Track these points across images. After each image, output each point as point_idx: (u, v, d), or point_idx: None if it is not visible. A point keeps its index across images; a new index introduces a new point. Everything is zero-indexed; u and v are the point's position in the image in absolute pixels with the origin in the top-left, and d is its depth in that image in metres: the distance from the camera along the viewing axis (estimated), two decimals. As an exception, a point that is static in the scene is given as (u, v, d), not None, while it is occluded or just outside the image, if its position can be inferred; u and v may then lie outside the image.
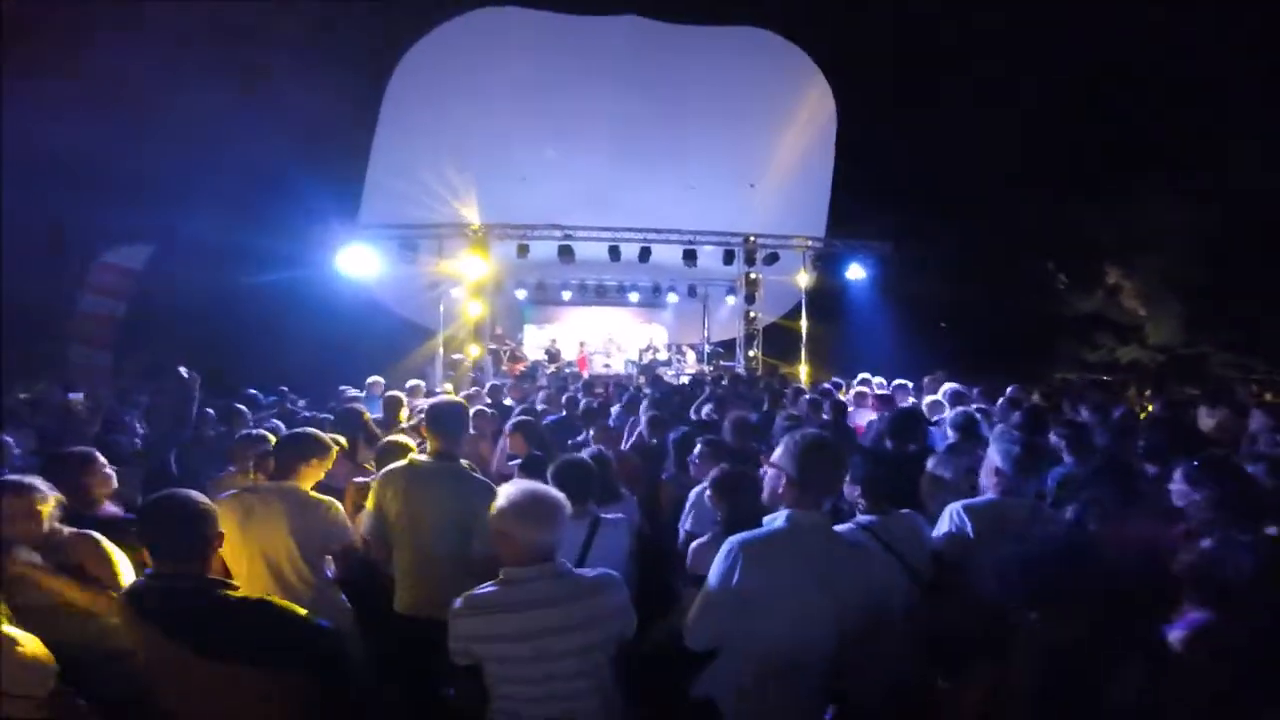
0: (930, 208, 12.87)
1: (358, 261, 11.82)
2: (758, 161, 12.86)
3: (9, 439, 3.56)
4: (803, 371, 12.67)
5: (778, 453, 2.16)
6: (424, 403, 5.46)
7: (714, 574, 2.03)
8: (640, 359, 15.78)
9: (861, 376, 7.97)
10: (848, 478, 2.59)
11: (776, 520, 2.07)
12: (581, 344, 16.27)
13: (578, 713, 1.95)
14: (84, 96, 10.95)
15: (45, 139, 10.64)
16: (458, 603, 1.98)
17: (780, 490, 2.13)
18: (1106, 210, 13.04)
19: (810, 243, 12.98)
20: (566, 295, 16.69)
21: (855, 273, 12.88)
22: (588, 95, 12.27)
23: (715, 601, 2.01)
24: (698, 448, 3.69)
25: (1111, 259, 13.45)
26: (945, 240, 12.67)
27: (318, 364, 11.89)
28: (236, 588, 2.03)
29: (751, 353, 13.59)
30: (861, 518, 2.54)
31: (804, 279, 13.11)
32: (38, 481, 2.23)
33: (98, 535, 2.25)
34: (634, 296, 16.92)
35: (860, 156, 12.33)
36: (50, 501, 2.21)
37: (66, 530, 2.23)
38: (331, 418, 4.97)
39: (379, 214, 12.49)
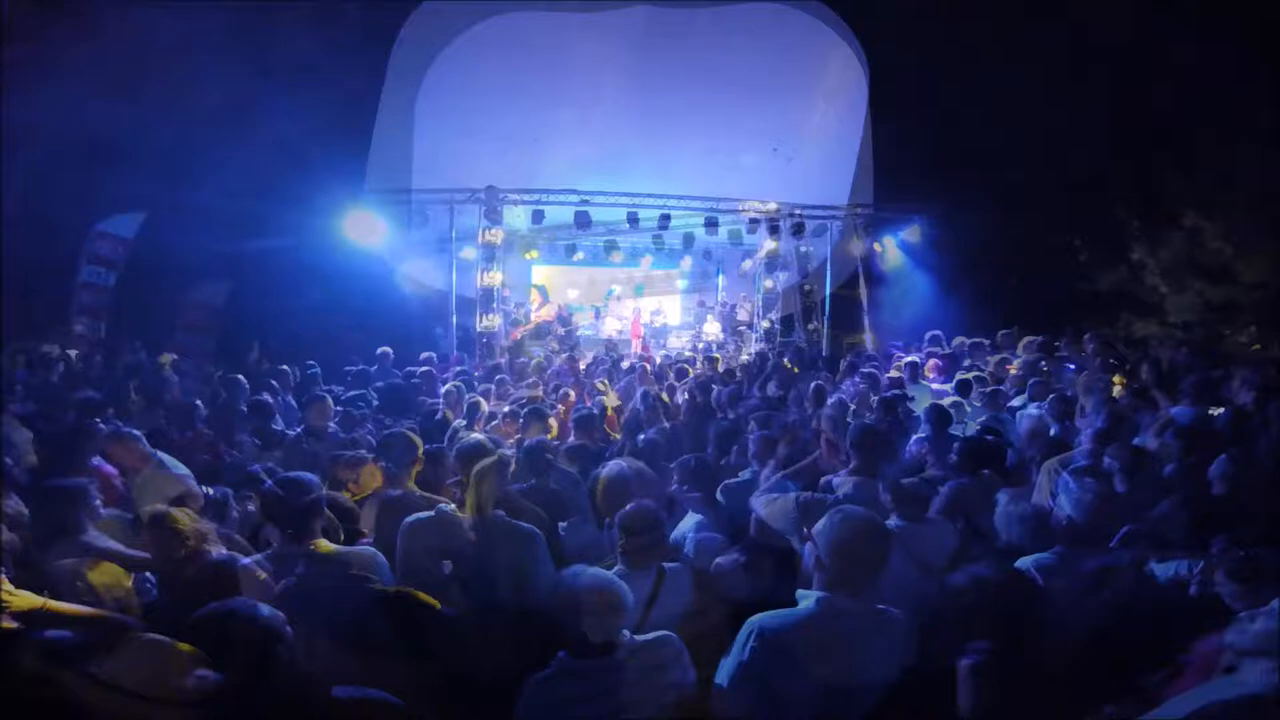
0: (984, 165, 12.40)
1: (364, 228, 11.37)
2: (787, 130, 12.36)
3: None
4: (867, 340, 12.45)
5: (816, 527, 2.04)
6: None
7: (731, 660, 1.93)
8: (651, 321, 15.52)
9: (931, 334, 7.78)
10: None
11: (806, 601, 1.94)
12: (636, 310, 15.20)
13: None
14: (83, 63, 10.29)
15: (43, 106, 10.06)
16: (526, 691, 1.91)
17: (814, 567, 2.01)
18: (1177, 160, 12.53)
19: (836, 212, 12.58)
20: (579, 256, 16.25)
21: (908, 236, 12.49)
22: (603, 59, 11.69)
23: (735, 689, 1.89)
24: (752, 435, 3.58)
25: (1185, 203, 12.97)
26: (1000, 199, 12.24)
27: (329, 331, 11.64)
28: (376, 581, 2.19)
29: (811, 325, 13.30)
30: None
31: (857, 246, 12.73)
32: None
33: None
34: (646, 260, 16.40)
35: (905, 117, 11.80)
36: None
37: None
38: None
39: (386, 179, 11.96)
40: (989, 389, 5.50)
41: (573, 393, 5.89)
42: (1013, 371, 7.39)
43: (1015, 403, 5.48)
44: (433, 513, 2.51)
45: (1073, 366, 5.43)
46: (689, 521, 3.15)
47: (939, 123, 11.97)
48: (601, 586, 1.93)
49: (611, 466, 3.18)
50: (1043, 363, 5.63)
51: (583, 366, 12.67)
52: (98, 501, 2.68)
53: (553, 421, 5.07)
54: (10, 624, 1.93)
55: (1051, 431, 4.33)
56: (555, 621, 1.94)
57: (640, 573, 2.45)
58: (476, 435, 3.36)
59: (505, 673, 2.00)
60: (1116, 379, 7.87)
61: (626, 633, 1.95)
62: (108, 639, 1.93)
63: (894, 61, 11.48)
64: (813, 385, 5.39)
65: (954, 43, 11.31)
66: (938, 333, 7.74)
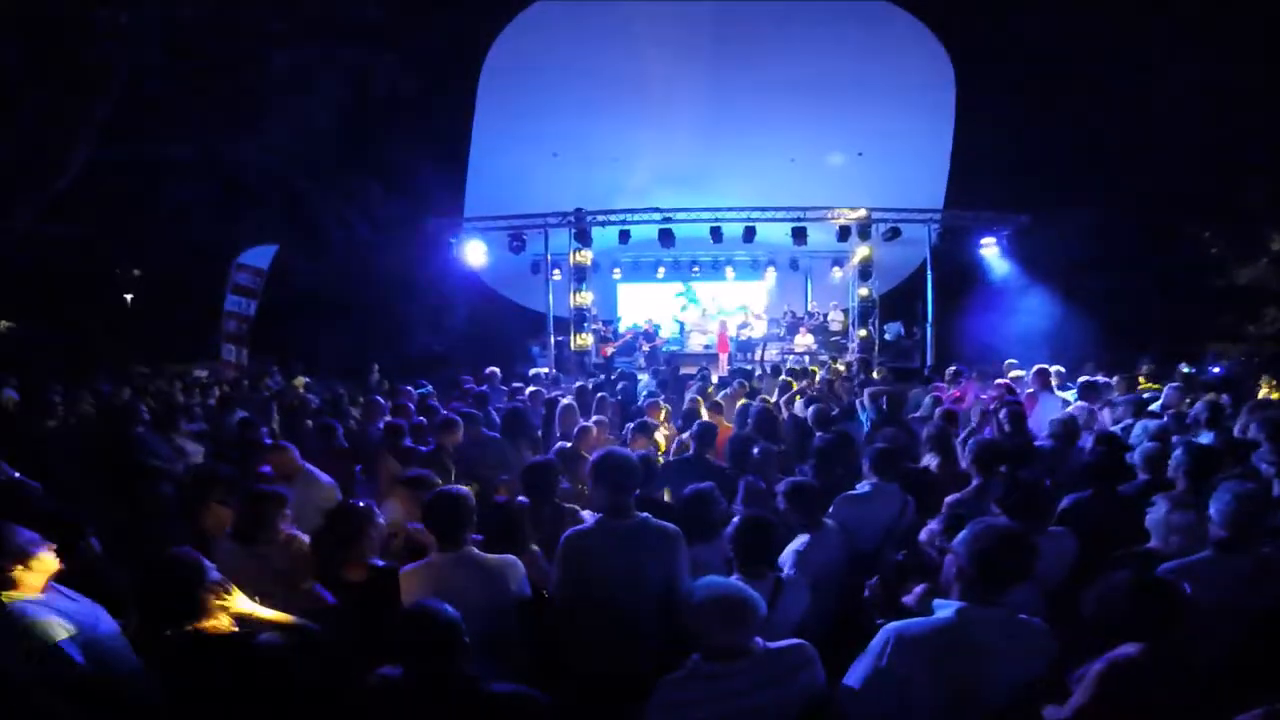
0: (1064, 176, 11.72)
1: (469, 252, 12.11)
2: (868, 132, 12.08)
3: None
4: (929, 350, 11.99)
5: (958, 537, 2.03)
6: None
7: (865, 664, 1.92)
8: (738, 335, 15.43)
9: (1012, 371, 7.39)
10: None
11: (945, 610, 1.93)
12: (723, 323, 15.05)
13: None
14: (201, 104, 11.55)
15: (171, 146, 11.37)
16: (659, 690, 1.95)
17: (954, 577, 1.99)
18: (1269, 171, 11.51)
19: (932, 216, 12.14)
20: (661, 273, 16.50)
21: (984, 246, 11.95)
22: (681, 71, 11.92)
23: (869, 693, 1.89)
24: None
25: (1275, 224, 11.89)
26: (1083, 212, 11.53)
27: (436, 351, 12.40)
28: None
29: (862, 332, 13.00)
30: None
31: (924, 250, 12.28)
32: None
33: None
34: (730, 272, 16.42)
35: (988, 124, 11.34)
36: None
37: None
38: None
39: (482, 205, 12.68)
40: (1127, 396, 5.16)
41: (664, 404, 5.99)
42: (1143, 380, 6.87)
43: (1154, 407, 5.13)
44: (593, 523, 2.68)
45: (1218, 370, 5.00)
46: (796, 542, 3.14)
47: (1039, 119, 11.39)
48: (735, 595, 1.98)
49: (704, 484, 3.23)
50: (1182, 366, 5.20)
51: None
52: (290, 512, 3.05)
53: (659, 436, 5.19)
54: (229, 626, 2.21)
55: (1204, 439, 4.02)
56: (688, 626, 2.01)
57: (757, 582, 2.49)
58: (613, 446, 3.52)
59: (645, 667, 2.08)
60: (1265, 382, 7.14)
61: (759, 639, 2.00)
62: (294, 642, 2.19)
63: (985, 56, 11.06)
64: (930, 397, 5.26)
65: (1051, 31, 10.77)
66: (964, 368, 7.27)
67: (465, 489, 2.67)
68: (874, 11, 11.33)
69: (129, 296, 16.06)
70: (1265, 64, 10.72)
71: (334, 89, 12.14)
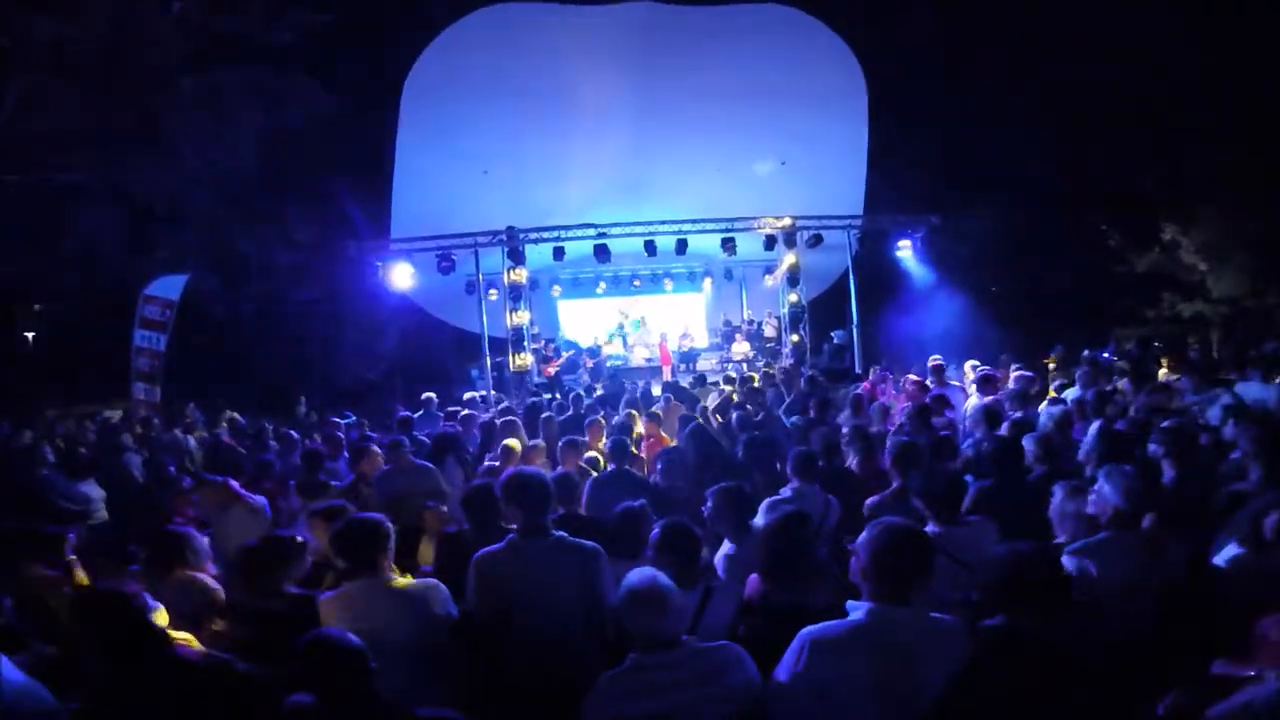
0: (971, 177, 12.44)
1: (397, 275, 11.81)
2: (788, 140, 12.52)
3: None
4: (856, 352, 12.42)
5: (859, 539, 2.06)
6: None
7: (783, 669, 1.94)
8: (680, 346, 15.61)
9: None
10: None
11: (856, 612, 1.96)
12: (663, 336, 15.06)
13: None
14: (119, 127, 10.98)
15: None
16: (597, 685, 1.96)
17: (860, 578, 2.03)
18: (1158, 165, 12.55)
19: (852, 221, 12.64)
20: (601, 288, 16.52)
21: (900, 248, 12.52)
22: (608, 85, 12.05)
23: (792, 693, 1.92)
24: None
25: (1166, 214, 12.93)
26: (990, 211, 12.26)
27: (369, 379, 12.00)
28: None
29: (795, 337, 13.34)
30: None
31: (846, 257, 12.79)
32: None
33: None
34: (668, 284, 16.63)
35: (897, 129, 11.95)
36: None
37: None
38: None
39: (411, 226, 12.42)
40: (1021, 387, 5.48)
41: (602, 420, 6.00)
42: (1052, 365, 7.31)
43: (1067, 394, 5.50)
44: (504, 544, 2.65)
45: (1106, 355, 5.37)
46: (724, 549, 3.12)
47: (942, 123, 12.04)
48: (646, 582, 2.00)
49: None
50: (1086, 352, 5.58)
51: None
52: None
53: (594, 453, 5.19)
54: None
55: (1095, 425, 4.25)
56: (621, 626, 2.01)
57: (688, 592, 2.48)
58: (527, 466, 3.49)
59: (573, 684, 2.07)
60: (1163, 361, 7.66)
61: (689, 638, 2.02)
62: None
63: (892, 63, 11.64)
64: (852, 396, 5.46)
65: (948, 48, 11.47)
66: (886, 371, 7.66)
67: (379, 516, 2.62)
68: (792, 21, 11.73)
69: (30, 335, 14.99)
70: (1152, 64, 11.66)
71: (249, 111, 11.73)
